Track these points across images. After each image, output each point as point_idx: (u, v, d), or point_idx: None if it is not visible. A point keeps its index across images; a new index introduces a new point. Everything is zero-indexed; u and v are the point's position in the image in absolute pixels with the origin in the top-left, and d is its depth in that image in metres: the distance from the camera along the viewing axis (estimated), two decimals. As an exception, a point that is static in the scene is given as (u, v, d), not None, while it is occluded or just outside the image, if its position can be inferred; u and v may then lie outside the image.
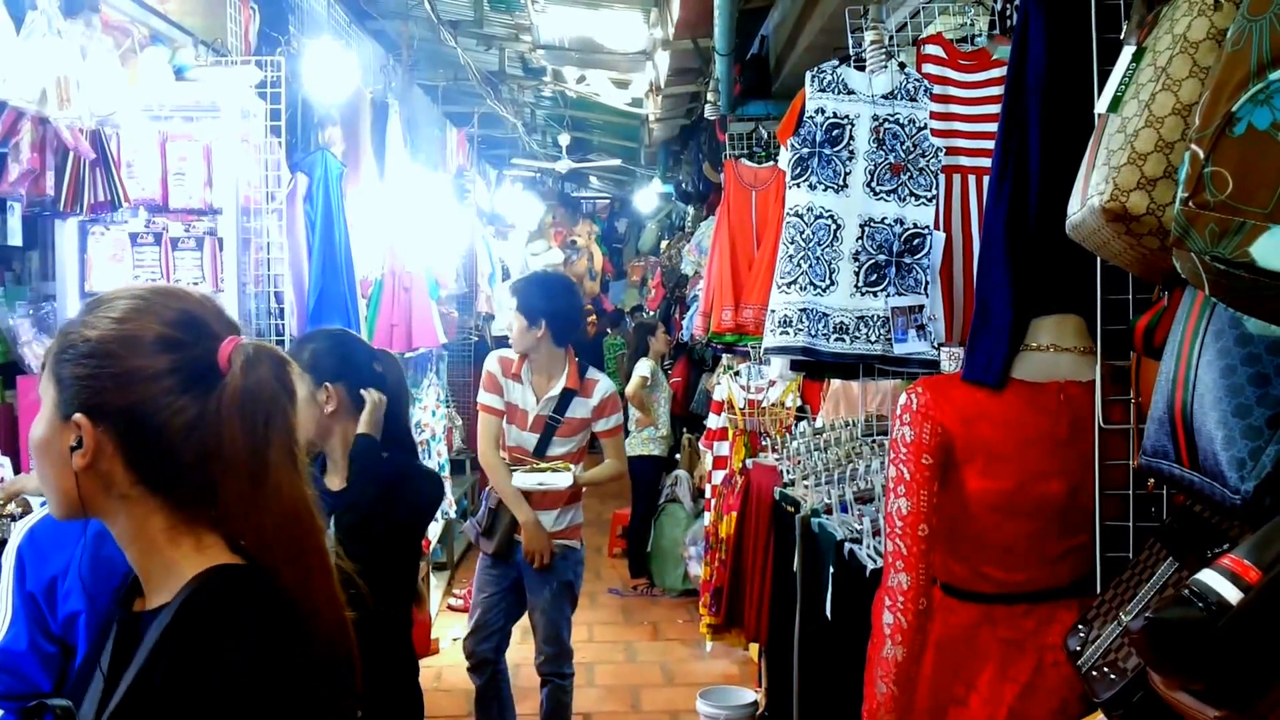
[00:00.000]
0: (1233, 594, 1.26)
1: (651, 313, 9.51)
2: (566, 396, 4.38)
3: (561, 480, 4.29)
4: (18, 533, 2.03)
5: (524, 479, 4.30)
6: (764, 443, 5.10)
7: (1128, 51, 1.53)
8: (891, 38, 3.60)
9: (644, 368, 7.47)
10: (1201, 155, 1.25)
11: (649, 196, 10.80)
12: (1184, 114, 1.43)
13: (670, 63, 6.61)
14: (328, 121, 4.68)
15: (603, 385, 4.49)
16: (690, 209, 8.50)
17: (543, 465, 4.35)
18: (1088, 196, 1.54)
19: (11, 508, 2.97)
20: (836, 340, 3.39)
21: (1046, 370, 2.23)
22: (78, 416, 1.21)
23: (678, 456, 7.92)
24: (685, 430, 7.97)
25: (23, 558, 1.97)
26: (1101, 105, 1.57)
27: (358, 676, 1.27)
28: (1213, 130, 1.24)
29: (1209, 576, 1.29)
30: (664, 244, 10.53)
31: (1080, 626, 1.99)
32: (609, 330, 10.40)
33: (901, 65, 3.43)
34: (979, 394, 2.23)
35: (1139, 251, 1.52)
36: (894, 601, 2.24)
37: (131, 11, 3.68)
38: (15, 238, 3.72)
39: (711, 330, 5.48)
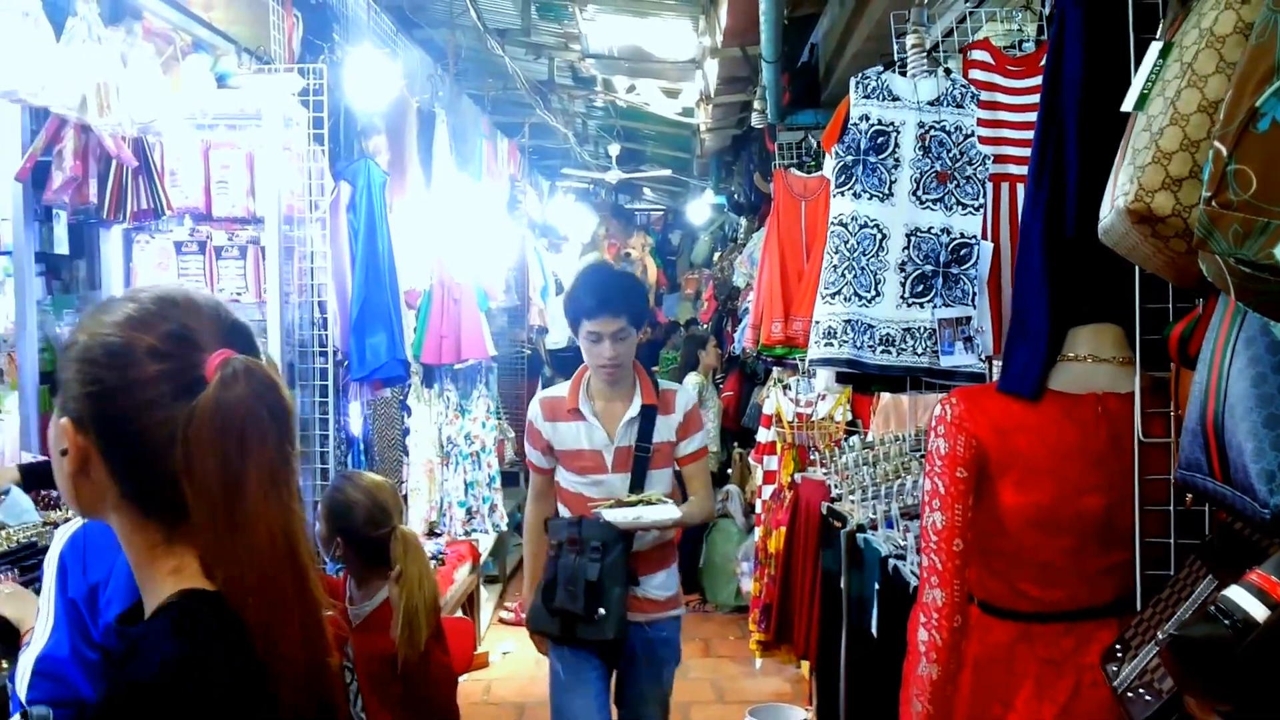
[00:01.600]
0: (1260, 611, 1.20)
1: (704, 326, 9.45)
2: (648, 416, 3.44)
3: (665, 514, 3.33)
4: (59, 539, 2.03)
5: (617, 515, 3.31)
6: (812, 457, 5.02)
7: (1155, 47, 1.47)
8: (938, 45, 3.54)
9: (691, 384, 7.41)
10: (1225, 152, 1.18)
11: (701, 208, 10.75)
12: (1210, 111, 1.36)
13: (719, 71, 6.57)
14: (372, 130, 4.70)
15: (683, 395, 3.56)
16: (743, 220, 8.44)
17: (631, 498, 3.38)
18: (1114, 198, 1.47)
19: (54, 515, 3.00)
20: (882, 352, 3.34)
21: (1084, 381, 2.15)
22: (63, 421, 1.18)
23: (729, 471, 7.85)
24: (736, 444, 7.89)
25: (65, 564, 1.97)
26: (1128, 103, 1.50)
27: None
28: (1236, 126, 1.18)
29: (1236, 593, 1.23)
30: (716, 256, 10.48)
31: (1118, 646, 1.91)
32: (664, 343, 10.35)
33: (947, 71, 3.37)
34: (1015, 405, 2.16)
35: (1167, 255, 1.45)
36: (929, 618, 2.17)
37: (174, 19, 3.71)
38: (62, 246, 3.77)
39: (761, 343, 5.42)
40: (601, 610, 3.27)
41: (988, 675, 2.20)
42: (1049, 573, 2.16)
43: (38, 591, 2.48)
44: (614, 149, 9.22)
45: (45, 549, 2.58)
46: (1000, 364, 2.54)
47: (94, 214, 3.42)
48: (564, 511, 3.53)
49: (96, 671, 1.99)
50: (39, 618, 1.98)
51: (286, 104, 3.80)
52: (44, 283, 3.68)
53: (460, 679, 5.82)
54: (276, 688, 1.12)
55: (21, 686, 1.95)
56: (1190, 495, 1.91)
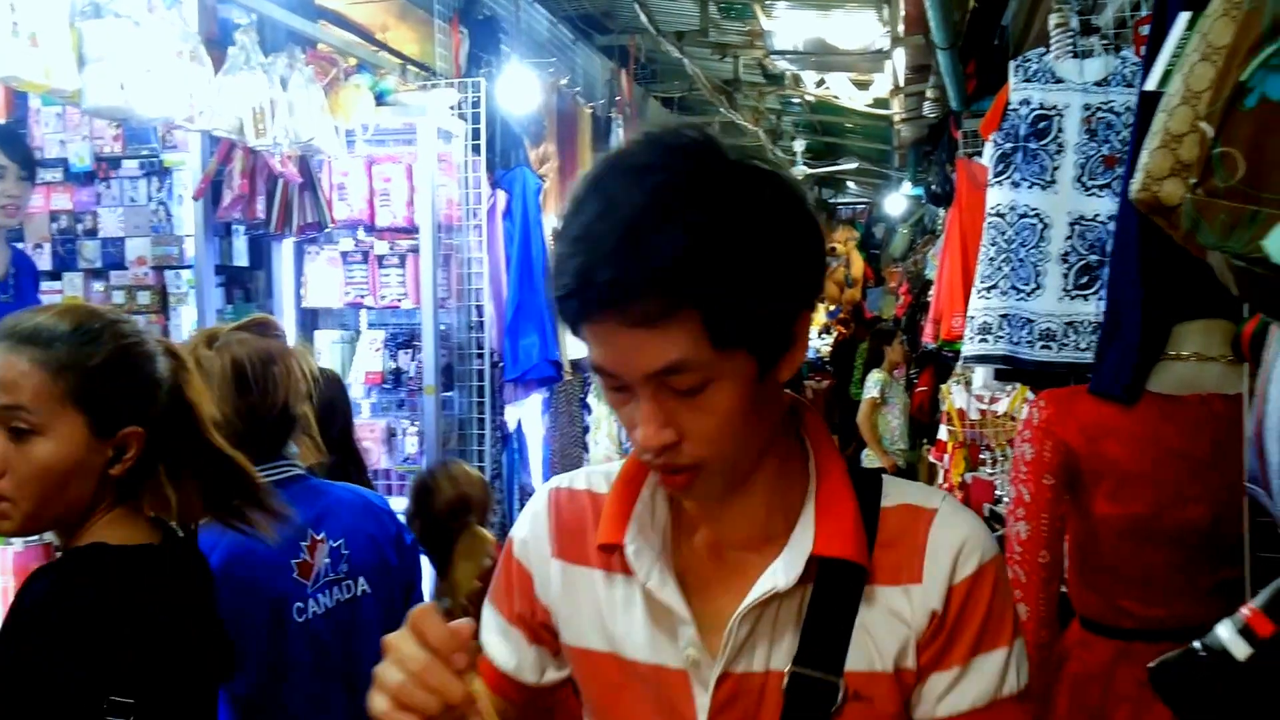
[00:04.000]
0: (1241, 650, 1.09)
1: (899, 319, 9.21)
2: (836, 590, 1.08)
3: None
4: None
5: None
6: (983, 456, 4.83)
7: (1183, 18, 1.34)
8: (1089, 22, 3.34)
9: (873, 384, 7.26)
10: (1210, 133, 1.07)
11: (898, 200, 10.46)
12: (1223, 87, 1.23)
13: (907, 60, 6.40)
14: (539, 138, 4.82)
15: (949, 534, 1.08)
16: (941, 211, 8.18)
17: None
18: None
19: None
20: (1042, 348, 3.18)
21: (1188, 382, 1.98)
22: None
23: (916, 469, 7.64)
24: (926, 441, 7.66)
25: None
26: (1151, 82, 1.38)
27: None
28: (1221, 104, 1.07)
29: (1223, 629, 1.13)
30: (913, 248, 10.20)
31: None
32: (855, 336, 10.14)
33: (1117, 48, 3.19)
34: (1107, 408, 2.01)
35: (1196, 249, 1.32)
36: (1014, 633, 2.05)
37: (340, 42, 3.93)
38: (242, 258, 4.05)
39: (941, 337, 5.26)
40: None
41: (1084, 695, 2.07)
42: (1151, 589, 2.00)
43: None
44: (798, 145, 9.10)
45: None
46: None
47: (263, 228, 3.67)
48: None
49: None
50: None
51: (442, 117, 3.95)
52: (223, 292, 3.96)
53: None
54: None
55: None
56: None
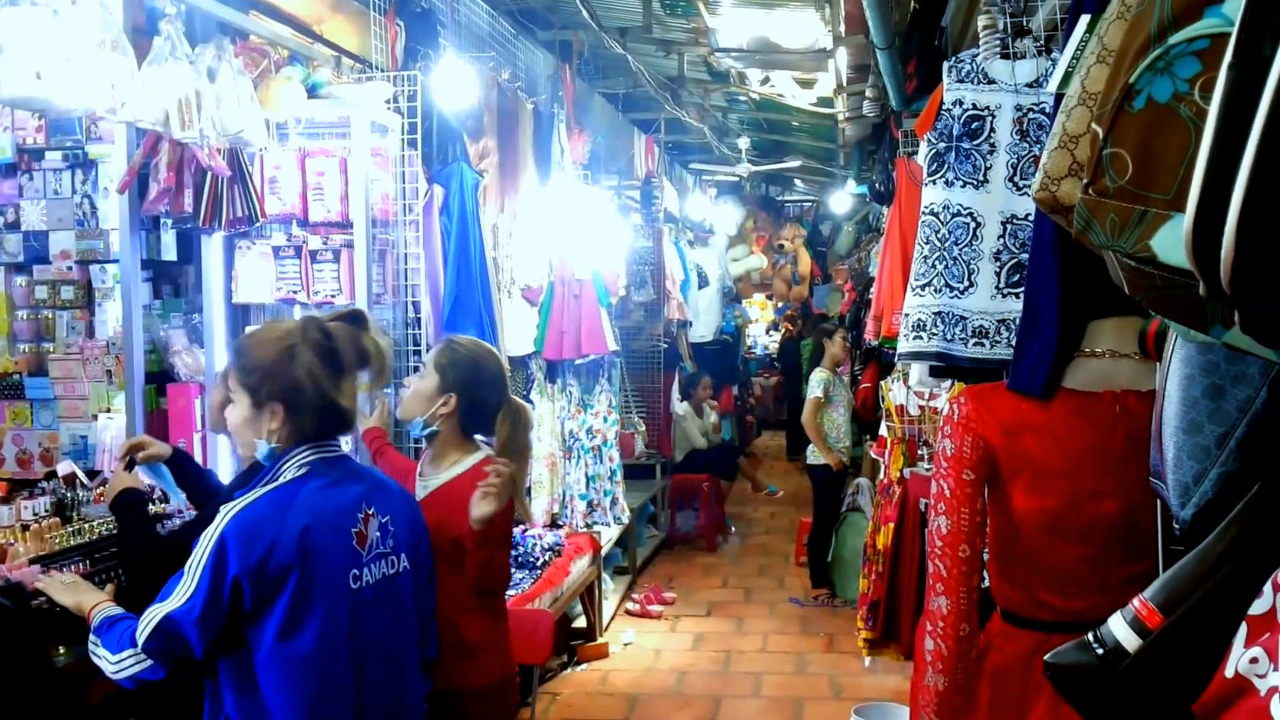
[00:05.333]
0: (1132, 641, 1.10)
1: (842, 316, 9.29)
2: None
3: None
4: (221, 520, 2.12)
5: None
6: (921, 452, 4.88)
7: (1084, 20, 1.35)
8: (1024, 24, 3.37)
9: (816, 383, 7.31)
10: (1100, 135, 1.08)
11: (843, 198, 10.53)
12: (1118, 88, 1.24)
13: (849, 59, 6.43)
14: (478, 132, 4.78)
15: None
16: (885, 209, 8.26)
17: None
18: (1034, 186, 1.37)
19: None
20: (975, 345, 3.22)
21: (1102, 378, 2.01)
22: None
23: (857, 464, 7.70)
24: (868, 437, 7.74)
25: (226, 542, 2.08)
26: (1053, 83, 1.39)
27: None
28: (1111, 106, 1.08)
29: (1115, 621, 1.14)
30: (858, 245, 10.30)
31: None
32: (803, 334, 10.22)
33: (1048, 51, 3.22)
34: (1024, 404, 2.03)
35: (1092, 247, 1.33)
36: (934, 627, 2.08)
37: (270, 34, 3.87)
38: (170, 253, 3.98)
39: (882, 334, 5.30)
40: None
41: (1005, 687, 2.09)
42: (1068, 582, 2.03)
43: (104, 581, 2.66)
44: (743, 142, 9.13)
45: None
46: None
47: (191, 222, 3.60)
48: None
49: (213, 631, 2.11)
50: (179, 582, 2.10)
51: (376, 111, 3.90)
52: (150, 287, 3.89)
53: (579, 668, 5.92)
54: None
55: (141, 632, 2.10)
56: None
